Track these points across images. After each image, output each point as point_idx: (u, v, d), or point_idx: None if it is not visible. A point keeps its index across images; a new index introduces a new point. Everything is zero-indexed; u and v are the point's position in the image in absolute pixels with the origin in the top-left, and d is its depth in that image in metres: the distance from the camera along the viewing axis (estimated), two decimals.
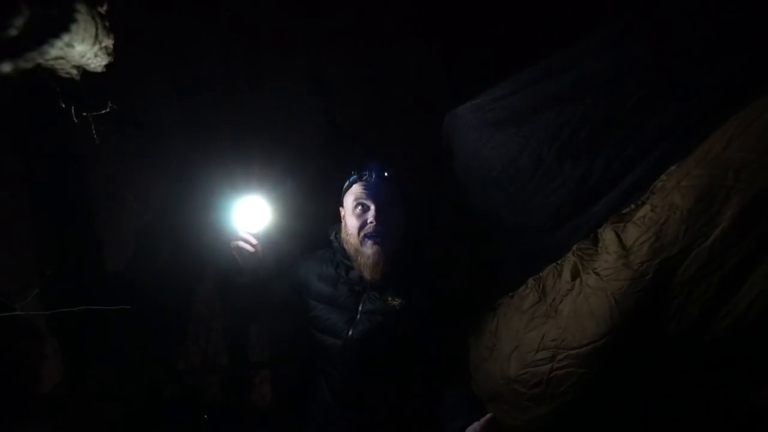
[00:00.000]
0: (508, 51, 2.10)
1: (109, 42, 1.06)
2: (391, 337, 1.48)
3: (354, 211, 1.53)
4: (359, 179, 1.56)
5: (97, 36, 1.01)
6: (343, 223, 1.59)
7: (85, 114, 1.29)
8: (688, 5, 1.23)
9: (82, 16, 0.94)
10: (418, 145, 2.10)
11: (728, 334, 1.05)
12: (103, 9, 1.02)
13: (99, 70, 1.10)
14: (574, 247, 1.29)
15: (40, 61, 0.93)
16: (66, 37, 0.92)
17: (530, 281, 1.38)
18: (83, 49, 1.00)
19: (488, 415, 1.31)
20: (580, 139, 1.33)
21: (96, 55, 1.05)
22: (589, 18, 1.60)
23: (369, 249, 1.48)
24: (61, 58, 0.98)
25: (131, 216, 2.24)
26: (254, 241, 1.53)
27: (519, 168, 1.41)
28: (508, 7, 2.20)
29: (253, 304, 1.72)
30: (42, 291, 1.62)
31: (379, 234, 1.48)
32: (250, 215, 1.55)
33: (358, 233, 1.50)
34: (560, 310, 1.23)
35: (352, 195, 1.55)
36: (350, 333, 1.48)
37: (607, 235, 1.21)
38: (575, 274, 1.24)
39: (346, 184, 1.60)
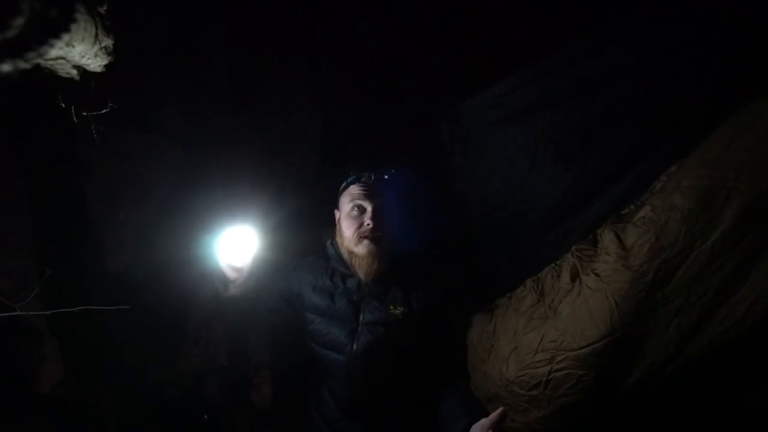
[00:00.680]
0: (507, 51, 2.10)
1: (109, 42, 1.06)
2: (396, 347, 1.43)
3: (350, 213, 1.48)
4: (357, 180, 1.52)
5: (97, 36, 1.01)
6: (337, 227, 1.55)
7: (85, 114, 1.29)
8: (686, 4, 1.22)
9: (82, 16, 0.94)
10: (417, 145, 2.10)
11: (729, 336, 1.05)
12: (103, 9, 1.02)
13: (99, 70, 1.10)
14: (573, 248, 1.28)
15: (40, 61, 0.93)
16: (66, 37, 0.92)
17: (528, 282, 1.37)
18: (83, 49, 1.00)
19: (500, 409, 1.23)
20: (576, 140, 1.32)
21: (96, 55, 1.05)
22: (587, 18, 1.60)
23: (364, 249, 1.44)
24: (61, 58, 0.98)
25: (131, 216, 2.24)
26: (238, 274, 1.48)
27: (514, 168, 1.41)
28: (507, 8, 2.20)
29: (244, 315, 1.69)
30: (42, 291, 1.62)
31: (374, 235, 1.44)
32: (236, 247, 1.48)
33: (353, 234, 1.46)
34: (559, 312, 1.22)
35: (349, 196, 1.50)
36: (354, 348, 1.42)
37: (607, 236, 1.21)
38: (574, 275, 1.24)
39: (343, 184, 1.55)
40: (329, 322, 1.47)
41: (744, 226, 1.03)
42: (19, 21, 0.80)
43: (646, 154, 1.24)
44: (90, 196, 2.09)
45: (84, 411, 1.97)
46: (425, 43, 2.36)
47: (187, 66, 2.35)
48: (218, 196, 2.35)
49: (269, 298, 1.61)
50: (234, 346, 2.61)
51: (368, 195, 1.48)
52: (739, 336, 1.04)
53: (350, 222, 1.48)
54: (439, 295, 1.50)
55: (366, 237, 1.44)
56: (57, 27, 0.90)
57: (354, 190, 1.50)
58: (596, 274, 1.18)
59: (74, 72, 1.06)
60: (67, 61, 1.01)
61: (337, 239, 1.54)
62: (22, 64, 0.87)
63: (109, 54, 1.09)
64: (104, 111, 1.30)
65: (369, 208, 1.47)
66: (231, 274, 1.47)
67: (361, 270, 1.45)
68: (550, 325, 1.22)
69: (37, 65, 0.93)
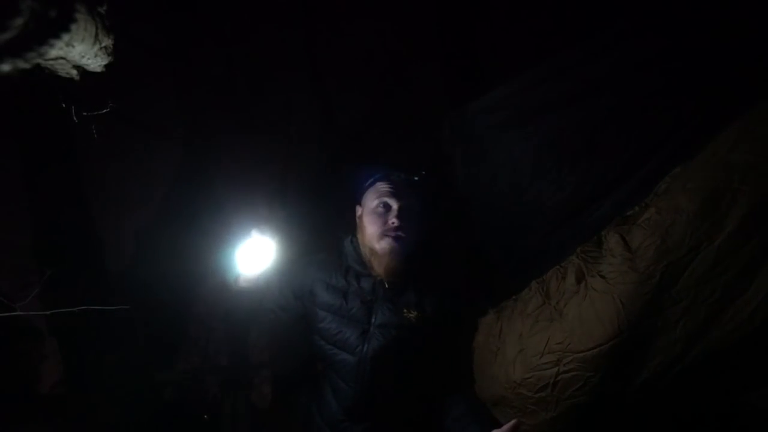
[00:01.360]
0: (508, 52, 2.10)
1: (109, 42, 1.06)
2: (407, 350, 1.42)
3: (375, 209, 1.46)
4: (386, 178, 1.50)
5: (97, 36, 1.01)
6: (358, 223, 1.53)
7: (85, 114, 1.28)
8: (691, 6, 1.22)
9: (82, 16, 0.94)
10: (417, 146, 2.10)
11: (735, 336, 1.05)
12: (103, 9, 1.01)
13: (99, 70, 1.10)
14: (578, 250, 1.28)
15: (40, 61, 0.93)
16: (66, 37, 0.92)
17: (533, 284, 1.37)
18: (83, 49, 1.00)
19: (513, 421, 1.23)
20: (580, 143, 1.32)
21: (96, 55, 1.05)
22: (590, 20, 1.60)
23: (385, 246, 1.42)
24: (61, 58, 0.98)
25: (131, 216, 2.24)
26: (251, 282, 1.49)
27: (519, 170, 1.41)
28: (508, 9, 2.20)
29: (248, 310, 1.67)
30: (42, 291, 1.62)
31: (397, 234, 1.42)
32: (254, 252, 1.48)
33: (377, 231, 1.44)
34: (565, 313, 1.22)
35: (376, 193, 1.48)
36: (364, 349, 1.41)
37: (612, 238, 1.21)
38: (580, 277, 1.23)
39: (369, 181, 1.53)
40: (341, 321, 1.45)
41: (749, 228, 1.03)
42: (19, 21, 0.80)
43: (651, 156, 1.24)
44: (90, 196, 2.09)
45: (84, 411, 1.97)
46: (425, 44, 2.36)
47: (186, 65, 2.35)
48: (218, 195, 2.35)
49: (279, 294, 1.58)
50: (234, 345, 2.61)
51: (396, 193, 1.46)
52: (745, 336, 1.05)
53: (374, 218, 1.46)
54: (451, 300, 1.49)
55: (389, 235, 1.43)
56: (57, 27, 0.90)
57: (382, 187, 1.48)
58: (602, 276, 1.18)
59: (74, 72, 1.06)
60: (67, 61, 1.00)
61: (358, 235, 1.52)
62: (22, 64, 0.87)
63: (109, 54, 1.08)
64: (104, 111, 1.30)
65: (395, 206, 1.45)
66: (244, 268, 1.47)
67: (380, 267, 1.43)
68: (556, 327, 1.22)
69: (37, 65, 0.93)
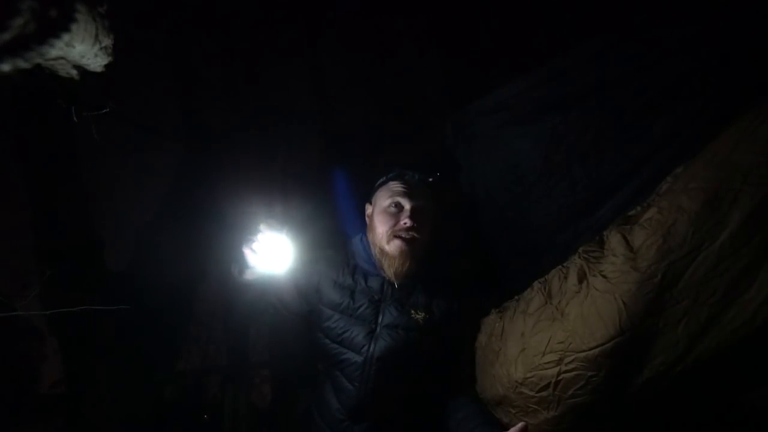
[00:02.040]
0: (508, 53, 2.10)
1: (109, 42, 1.06)
2: (413, 351, 1.40)
3: (387, 209, 1.44)
4: (399, 177, 1.48)
5: (97, 36, 1.01)
6: (368, 222, 1.51)
7: (85, 114, 1.28)
8: (691, 7, 1.22)
9: (82, 16, 0.94)
10: (417, 146, 2.10)
11: (737, 336, 1.05)
12: (103, 9, 1.01)
13: (99, 70, 1.10)
14: (580, 250, 1.28)
15: (40, 61, 0.93)
16: (66, 37, 0.92)
17: (535, 284, 1.37)
18: (83, 49, 1.00)
19: (520, 424, 1.19)
20: (588, 141, 1.32)
21: (96, 55, 1.05)
22: (591, 20, 1.60)
23: (395, 248, 1.40)
24: (61, 58, 0.98)
25: (131, 216, 2.24)
26: (255, 275, 1.43)
27: (526, 169, 1.41)
28: (508, 9, 2.20)
29: (249, 304, 1.63)
30: (42, 291, 1.62)
31: (409, 235, 1.40)
32: (270, 251, 1.42)
33: (387, 231, 1.42)
34: (567, 313, 1.22)
35: (388, 192, 1.46)
36: (371, 349, 1.39)
37: (614, 237, 1.20)
38: (582, 277, 1.23)
39: (382, 179, 1.50)
40: (347, 320, 1.43)
41: (751, 228, 1.03)
42: (19, 21, 0.80)
43: (653, 156, 1.25)
44: (90, 196, 2.09)
45: (84, 411, 1.97)
46: (425, 44, 2.36)
47: (186, 66, 2.35)
48: (218, 195, 2.35)
49: (284, 289, 1.56)
50: (234, 345, 2.62)
51: (408, 193, 1.44)
52: (747, 336, 1.05)
53: (386, 218, 1.44)
54: (458, 301, 1.47)
55: (400, 236, 1.41)
56: (57, 27, 0.90)
57: (395, 186, 1.46)
58: (603, 276, 1.17)
59: (74, 72, 1.06)
60: (67, 61, 1.00)
61: (368, 235, 1.50)
62: (22, 64, 0.87)
63: (109, 54, 1.08)
64: (104, 111, 1.30)
65: (408, 206, 1.43)
66: (251, 260, 1.42)
67: (390, 269, 1.41)
68: (557, 326, 1.22)
69: (37, 65, 0.93)
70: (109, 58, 1.09)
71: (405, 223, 1.40)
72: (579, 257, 1.27)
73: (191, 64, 2.35)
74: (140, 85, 2.08)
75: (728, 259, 1.04)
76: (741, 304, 1.04)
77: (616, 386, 1.15)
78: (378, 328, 1.42)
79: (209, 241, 2.23)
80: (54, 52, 0.93)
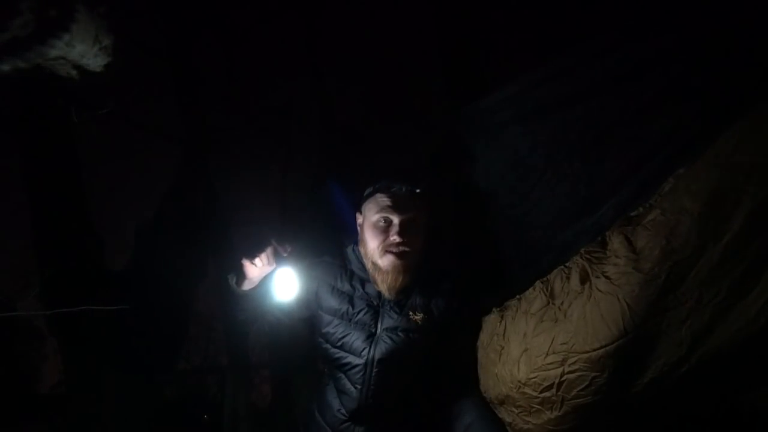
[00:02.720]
0: (508, 52, 2.10)
1: (109, 42, 1.06)
2: (414, 352, 1.41)
3: (376, 224, 1.43)
4: (385, 189, 1.46)
5: (97, 36, 1.01)
6: (360, 233, 1.50)
7: (85, 114, 1.28)
8: (692, 7, 1.22)
9: (82, 16, 0.94)
10: (417, 145, 2.10)
11: (741, 336, 1.05)
12: (102, 9, 1.01)
13: (99, 70, 1.10)
14: (582, 251, 1.27)
15: (40, 61, 0.93)
16: (66, 37, 0.92)
17: (537, 284, 1.36)
18: (83, 49, 1.00)
19: None
20: (589, 141, 1.31)
21: (96, 55, 1.05)
22: (590, 20, 1.60)
23: (388, 263, 1.40)
24: (61, 58, 0.98)
25: (131, 216, 2.24)
26: (256, 273, 1.43)
27: (528, 167, 1.40)
28: (508, 9, 2.20)
29: (249, 312, 1.62)
30: (42, 291, 1.62)
31: (400, 250, 1.40)
32: (281, 285, 1.43)
33: (378, 247, 1.42)
34: (569, 314, 1.21)
35: (376, 206, 1.44)
36: (372, 352, 1.39)
37: (616, 238, 1.20)
38: (584, 278, 1.23)
39: (370, 190, 1.49)
40: (347, 325, 1.44)
41: (754, 229, 1.03)
42: (19, 21, 0.80)
43: (655, 157, 1.24)
44: (90, 196, 2.10)
45: (84, 411, 1.97)
46: (425, 44, 2.36)
47: (187, 66, 2.35)
48: (218, 195, 2.36)
49: (278, 303, 1.54)
50: (234, 345, 2.62)
51: (396, 207, 1.42)
52: (751, 336, 1.05)
53: (375, 233, 1.43)
54: (457, 299, 1.48)
55: (391, 251, 1.40)
56: (57, 27, 0.90)
57: (381, 199, 1.44)
58: (606, 277, 1.17)
59: (74, 72, 1.06)
60: (67, 61, 1.00)
61: (360, 247, 1.50)
62: (22, 64, 0.87)
63: (109, 54, 1.08)
64: (104, 111, 1.30)
65: (396, 221, 1.41)
66: (250, 272, 1.43)
67: (384, 284, 1.42)
68: (560, 327, 1.21)
69: (37, 65, 0.93)
70: (109, 58, 1.09)
71: (394, 239, 1.40)
72: (581, 258, 1.26)
73: (192, 64, 2.35)
74: (140, 85, 2.08)
75: (731, 260, 1.04)
76: (744, 305, 1.04)
77: (620, 387, 1.15)
78: (378, 332, 1.42)
79: (209, 241, 2.23)
80: (54, 52, 0.93)
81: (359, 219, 1.52)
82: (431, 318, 1.43)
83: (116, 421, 1.96)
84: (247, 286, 1.46)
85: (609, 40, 1.31)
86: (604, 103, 1.30)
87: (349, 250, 1.55)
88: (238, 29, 2.41)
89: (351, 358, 1.42)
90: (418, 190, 1.46)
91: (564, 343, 1.19)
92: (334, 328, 1.45)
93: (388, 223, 1.43)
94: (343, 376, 1.46)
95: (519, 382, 1.26)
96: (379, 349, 1.40)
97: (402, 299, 1.45)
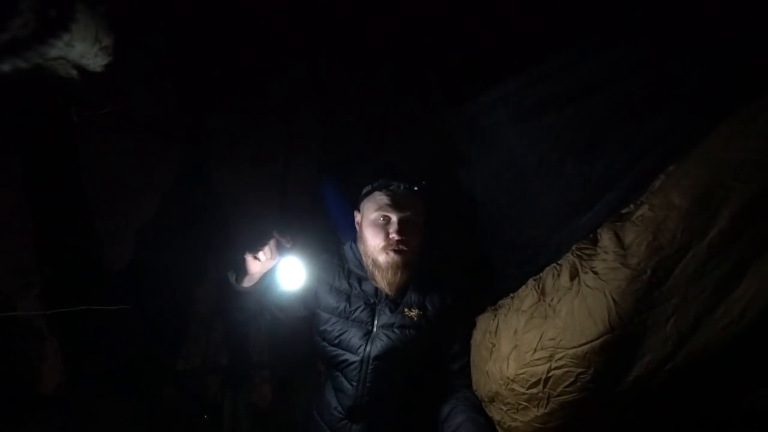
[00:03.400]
0: (508, 52, 2.10)
1: (109, 42, 1.06)
2: (409, 349, 1.43)
3: (375, 222, 1.45)
4: (384, 187, 1.47)
5: (97, 36, 1.01)
6: (358, 230, 1.52)
7: (85, 114, 1.28)
8: (685, 6, 1.22)
9: (82, 16, 0.94)
10: (417, 145, 2.10)
11: (727, 334, 1.05)
12: (103, 9, 1.02)
13: (99, 69, 1.10)
14: (574, 247, 1.28)
15: (40, 61, 0.93)
16: (66, 37, 0.93)
17: (530, 282, 1.37)
18: (83, 49, 1.00)
19: None
20: (583, 140, 1.32)
21: (96, 55, 1.05)
22: (588, 19, 1.60)
23: (387, 261, 1.42)
24: (61, 58, 0.98)
25: (131, 216, 2.24)
26: (257, 269, 1.44)
27: (523, 167, 1.41)
28: (507, 8, 2.21)
29: (247, 310, 1.62)
30: (42, 291, 1.62)
31: (399, 248, 1.41)
32: (286, 275, 1.45)
33: (377, 245, 1.43)
34: (558, 310, 1.22)
35: (375, 204, 1.46)
36: (368, 349, 1.41)
37: (606, 234, 1.21)
38: (574, 274, 1.23)
39: (368, 188, 1.50)
40: (344, 323, 1.46)
41: (741, 225, 1.03)
42: (19, 21, 0.80)
43: (648, 154, 1.24)
44: (90, 196, 2.10)
45: (84, 411, 1.97)
46: (425, 44, 2.37)
47: (186, 66, 2.35)
48: (218, 195, 2.36)
49: (281, 295, 1.55)
50: (234, 345, 2.62)
51: (395, 205, 1.44)
52: (737, 334, 1.05)
53: (374, 231, 1.44)
54: (452, 296, 1.50)
55: (390, 249, 1.42)
56: (57, 27, 0.90)
57: (380, 197, 1.46)
58: (595, 273, 1.17)
59: (74, 72, 1.06)
60: (67, 61, 1.01)
61: (358, 244, 1.51)
62: (22, 64, 0.87)
63: (109, 54, 1.09)
64: (104, 111, 1.30)
65: (395, 218, 1.43)
66: (252, 267, 1.44)
67: (383, 281, 1.43)
68: (549, 323, 1.22)
69: (37, 65, 0.93)
70: (109, 58, 1.10)
71: (393, 237, 1.41)
72: (573, 255, 1.27)
73: (191, 63, 2.35)
74: (140, 85, 2.08)
75: (717, 256, 1.04)
76: (729, 302, 1.04)
77: (606, 384, 1.15)
78: (374, 329, 1.44)
79: (209, 241, 2.23)
80: (54, 52, 0.93)
81: (357, 217, 1.54)
82: (426, 314, 1.45)
83: (116, 421, 1.96)
84: (247, 282, 1.47)
85: (602, 40, 1.32)
86: (597, 103, 1.30)
87: (347, 247, 1.56)
88: (237, 28, 2.41)
89: (348, 356, 1.44)
90: (416, 189, 1.48)
91: (552, 339, 1.19)
92: (332, 326, 1.47)
93: (387, 220, 1.44)
94: (339, 374, 1.47)
95: (508, 378, 1.27)
96: (375, 346, 1.41)
97: (398, 296, 1.47)
